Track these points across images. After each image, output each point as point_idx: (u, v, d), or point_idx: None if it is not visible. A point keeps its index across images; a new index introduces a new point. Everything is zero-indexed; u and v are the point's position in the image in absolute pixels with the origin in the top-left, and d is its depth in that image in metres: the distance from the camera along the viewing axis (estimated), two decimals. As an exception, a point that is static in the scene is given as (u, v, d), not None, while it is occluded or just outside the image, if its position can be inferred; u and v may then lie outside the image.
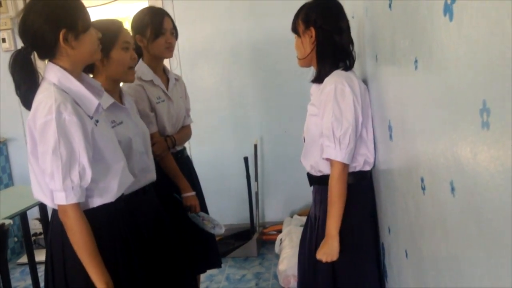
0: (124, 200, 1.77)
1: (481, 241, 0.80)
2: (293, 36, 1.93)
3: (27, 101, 1.56)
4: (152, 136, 2.20)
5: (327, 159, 1.79)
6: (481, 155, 0.74)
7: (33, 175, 1.60)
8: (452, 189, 0.91)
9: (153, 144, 2.20)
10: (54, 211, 1.64)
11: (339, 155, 1.73)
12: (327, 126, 1.74)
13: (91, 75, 1.91)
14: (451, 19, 0.84)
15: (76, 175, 1.51)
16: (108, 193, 1.64)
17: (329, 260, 1.78)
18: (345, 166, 1.76)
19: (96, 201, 1.63)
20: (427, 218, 1.14)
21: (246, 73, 3.90)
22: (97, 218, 1.61)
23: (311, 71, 1.98)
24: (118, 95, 1.99)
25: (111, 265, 1.62)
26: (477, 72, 0.74)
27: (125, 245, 1.74)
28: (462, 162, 0.84)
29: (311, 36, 1.83)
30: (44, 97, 1.51)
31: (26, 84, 1.55)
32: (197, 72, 3.89)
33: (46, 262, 1.71)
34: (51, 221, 1.69)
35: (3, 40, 3.94)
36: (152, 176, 2.06)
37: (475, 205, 0.80)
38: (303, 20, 1.84)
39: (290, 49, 2.02)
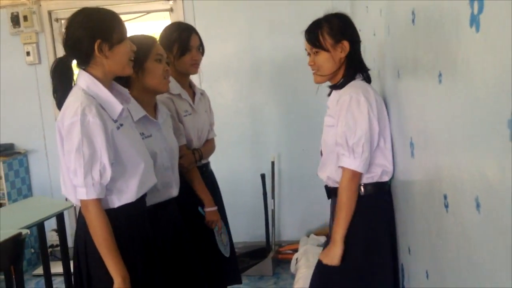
0: (147, 209, 1.85)
1: (508, 260, 0.76)
2: None
3: (60, 103, 1.70)
4: (180, 148, 2.23)
5: (341, 168, 1.78)
6: (510, 168, 0.72)
7: (61, 173, 1.73)
8: (477, 206, 0.87)
9: (181, 157, 2.22)
10: (79, 210, 1.74)
11: (353, 163, 1.72)
12: (341, 135, 1.74)
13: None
14: (477, 30, 0.82)
15: (97, 173, 1.61)
16: (126, 193, 1.72)
17: (329, 263, 1.79)
18: (355, 174, 1.75)
19: (115, 201, 1.71)
20: (450, 237, 1.10)
21: (265, 91, 3.90)
22: (117, 219, 1.69)
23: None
24: (153, 109, 2.04)
25: (130, 265, 1.68)
26: (505, 82, 0.71)
27: (146, 247, 1.80)
28: (488, 177, 0.81)
29: (342, 50, 1.81)
30: (72, 100, 1.65)
31: (62, 89, 1.70)
32: (216, 88, 3.91)
33: (73, 257, 1.82)
34: (77, 219, 1.80)
35: (28, 53, 4.03)
36: (173, 191, 2.09)
37: (503, 221, 0.77)
38: (332, 34, 1.81)
39: (308, 66, 1.99)
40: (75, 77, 1.74)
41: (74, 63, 1.74)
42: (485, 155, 0.82)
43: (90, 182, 1.61)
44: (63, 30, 1.72)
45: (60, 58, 1.72)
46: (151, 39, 2.02)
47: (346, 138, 1.73)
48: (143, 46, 1.92)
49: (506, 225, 0.75)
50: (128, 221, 1.74)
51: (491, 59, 0.77)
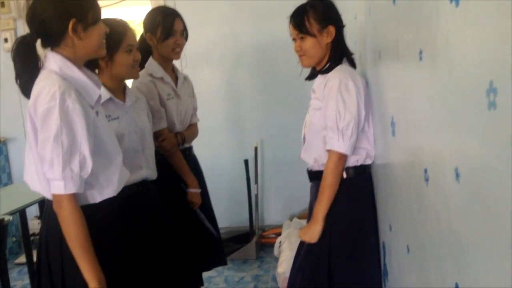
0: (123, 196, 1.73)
1: (486, 226, 0.79)
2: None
3: (26, 89, 1.53)
4: (162, 132, 2.25)
5: (328, 151, 1.80)
6: (488, 137, 0.75)
7: (32, 165, 1.55)
8: (457, 176, 0.91)
9: (163, 140, 2.23)
10: (49, 205, 1.57)
11: (342, 146, 1.76)
12: (331, 118, 1.77)
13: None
14: (457, 4, 0.85)
15: (76, 165, 1.46)
16: (108, 187, 1.60)
17: (307, 240, 1.85)
18: (342, 157, 1.79)
19: (96, 196, 1.58)
20: (430, 209, 1.14)
21: (247, 76, 3.91)
22: (97, 214, 1.57)
23: (309, 70, 2.00)
24: (121, 92, 2.01)
25: (110, 258, 1.60)
26: (483, 53, 0.74)
27: (124, 237, 1.73)
28: (468, 147, 0.84)
29: (328, 35, 1.83)
30: (46, 84, 1.46)
31: (28, 72, 1.52)
32: (198, 74, 3.89)
33: (39, 260, 1.65)
34: (46, 215, 1.62)
35: (5, 40, 3.96)
36: (146, 173, 2.03)
37: (481, 189, 0.80)
38: (319, 19, 1.83)
39: (291, 52, 2.00)
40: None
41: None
42: (465, 125, 0.85)
43: (69, 174, 1.44)
44: (28, 5, 1.53)
45: (23, 37, 1.51)
46: (122, 27, 1.92)
47: (336, 121, 1.75)
48: (113, 36, 1.81)
49: (484, 192, 0.79)
50: (108, 217, 1.63)
51: (470, 33, 0.79)
